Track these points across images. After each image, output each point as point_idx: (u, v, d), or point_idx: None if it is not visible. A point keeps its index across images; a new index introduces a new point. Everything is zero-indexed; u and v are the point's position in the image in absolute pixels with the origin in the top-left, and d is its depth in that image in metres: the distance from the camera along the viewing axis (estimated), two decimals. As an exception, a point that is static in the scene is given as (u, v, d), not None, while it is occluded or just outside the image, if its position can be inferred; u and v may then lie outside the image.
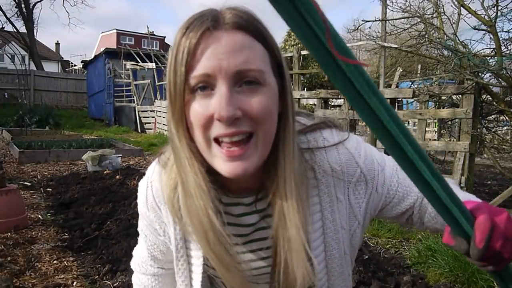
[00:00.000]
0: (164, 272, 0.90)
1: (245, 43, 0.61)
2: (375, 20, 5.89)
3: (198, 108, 0.62)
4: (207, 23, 0.61)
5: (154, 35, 34.48)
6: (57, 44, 38.90)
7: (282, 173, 0.67)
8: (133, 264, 0.95)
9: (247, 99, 0.62)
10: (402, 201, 0.82)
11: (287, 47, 26.01)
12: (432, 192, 0.55)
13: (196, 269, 0.80)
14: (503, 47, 4.43)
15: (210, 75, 0.60)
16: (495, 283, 2.35)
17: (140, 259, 0.93)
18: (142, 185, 0.84)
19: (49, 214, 3.95)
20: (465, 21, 4.74)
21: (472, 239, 0.58)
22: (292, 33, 30.26)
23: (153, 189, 0.81)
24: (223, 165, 0.63)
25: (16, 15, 25.11)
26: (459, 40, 4.68)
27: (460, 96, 4.91)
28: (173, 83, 0.62)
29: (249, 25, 0.62)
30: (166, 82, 0.64)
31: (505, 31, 4.43)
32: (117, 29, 38.00)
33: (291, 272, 0.70)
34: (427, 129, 6.60)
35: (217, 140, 0.63)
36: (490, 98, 4.85)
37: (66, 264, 2.77)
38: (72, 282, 2.50)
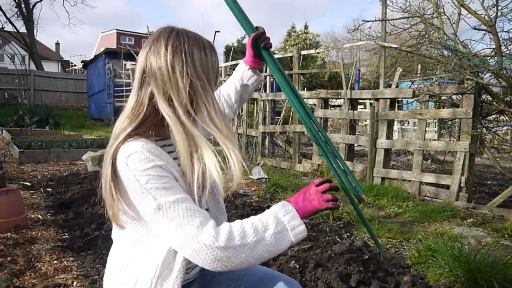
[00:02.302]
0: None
1: None
2: (375, 20, 5.90)
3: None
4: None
5: (154, 35, 34.33)
6: (57, 44, 38.92)
7: None
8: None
9: None
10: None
11: (287, 47, 25.98)
12: None
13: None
14: (503, 47, 4.43)
15: None
16: (496, 284, 2.35)
17: (187, 208, 0.99)
18: (135, 151, 0.97)
19: (49, 214, 3.95)
20: (465, 21, 4.75)
21: None
22: (292, 33, 30.27)
23: (146, 147, 0.98)
24: None
25: (16, 15, 25.12)
26: (459, 40, 4.68)
27: (460, 96, 4.91)
28: (211, 73, 1.07)
29: None
30: (201, 69, 1.04)
31: (505, 31, 4.43)
32: (117, 29, 38.01)
33: None
34: (427, 129, 6.60)
35: None
36: (490, 98, 4.85)
37: (66, 264, 2.77)
38: (72, 282, 2.50)
